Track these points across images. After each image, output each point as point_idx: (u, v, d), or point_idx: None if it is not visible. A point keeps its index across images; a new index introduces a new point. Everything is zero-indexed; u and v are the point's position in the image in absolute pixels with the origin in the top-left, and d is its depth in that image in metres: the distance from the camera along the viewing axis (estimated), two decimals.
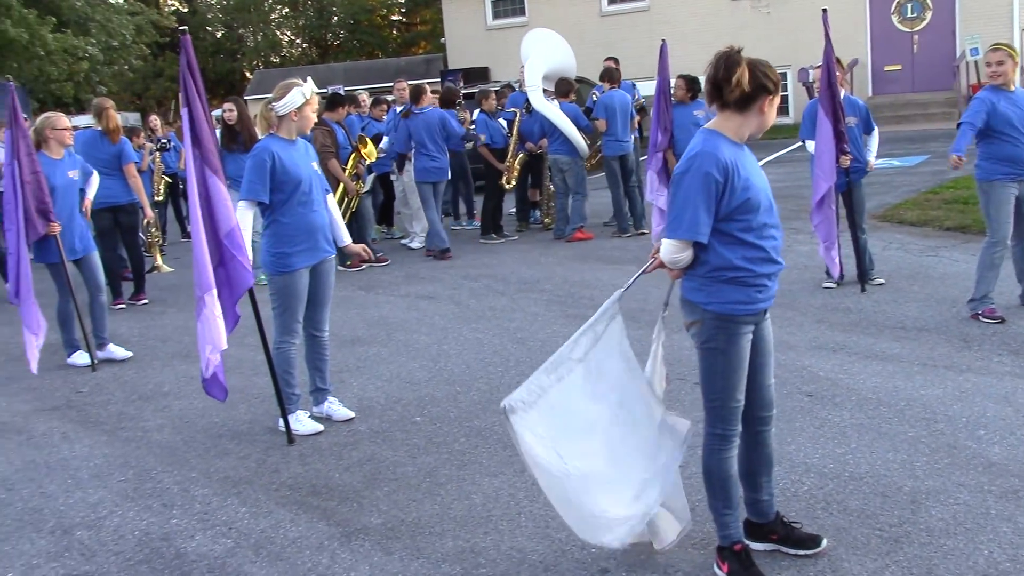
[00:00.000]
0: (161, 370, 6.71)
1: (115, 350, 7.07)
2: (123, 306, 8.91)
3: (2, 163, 8.75)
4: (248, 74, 58.71)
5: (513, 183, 11.25)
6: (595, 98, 11.73)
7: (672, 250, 3.20)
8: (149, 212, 9.49)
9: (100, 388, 6.36)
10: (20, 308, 6.58)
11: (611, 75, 10.96)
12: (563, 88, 10.91)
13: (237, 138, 9.18)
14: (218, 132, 9.48)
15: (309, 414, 5.30)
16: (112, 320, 7.61)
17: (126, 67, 32.03)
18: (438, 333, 7.11)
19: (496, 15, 26.26)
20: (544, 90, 12.03)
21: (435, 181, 10.43)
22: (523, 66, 11.56)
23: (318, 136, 9.70)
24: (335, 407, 5.34)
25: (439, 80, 25.02)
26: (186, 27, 5.01)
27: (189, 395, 6.05)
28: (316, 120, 5.40)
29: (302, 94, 4.93)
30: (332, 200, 5.36)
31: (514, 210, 12.46)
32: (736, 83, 3.10)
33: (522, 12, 25.86)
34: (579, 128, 10.69)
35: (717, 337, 3.26)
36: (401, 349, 6.75)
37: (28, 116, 18.11)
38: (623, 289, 3.39)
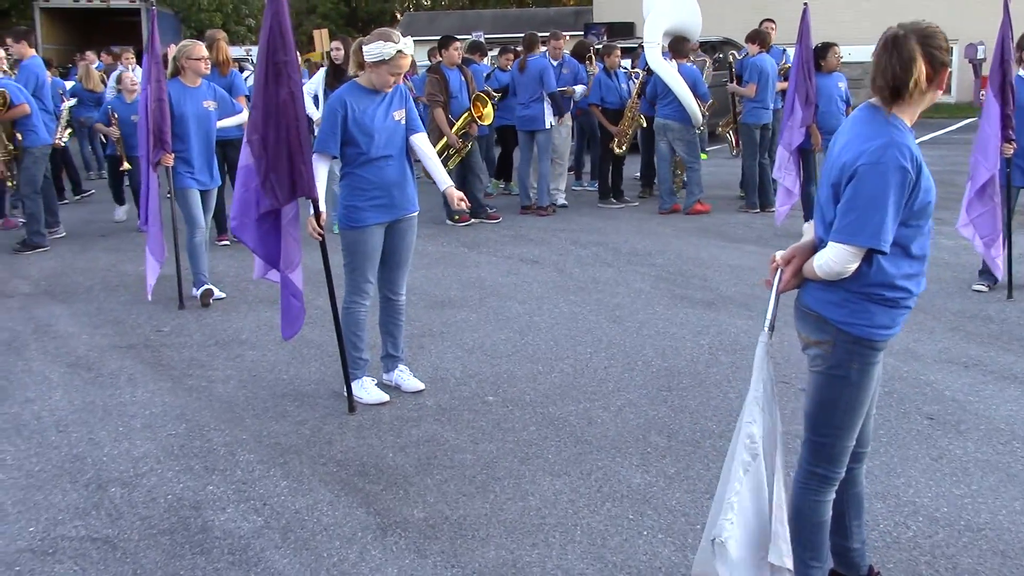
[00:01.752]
0: (246, 315, 6.51)
1: (215, 288, 6.93)
2: (227, 242, 8.80)
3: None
4: (398, 15, 59.09)
5: (624, 148, 10.59)
6: (732, 60, 11.01)
7: (845, 258, 2.61)
8: None
9: (181, 329, 6.21)
10: (147, 233, 6.59)
11: (763, 38, 10.15)
12: (681, 48, 10.22)
13: (342, 77, 8.88)
14: (324, 71, 9.26)
15: (376, 382, 4.97)
16: (212, 257, 7.48)
17: None
18: (533, 302, 6.69)
19: None
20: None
21: (526, 130, 10.22)
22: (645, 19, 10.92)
23: (428, 83, 9.34)
24: (405, 377, 5.00)
25: (583, 33, 24.34)
26: None
27: (264, 345, 5.82)
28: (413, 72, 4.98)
29: (392, 48, 4.51)
30: (426, 142, 4.93)
31: (638, 174, 11.88)
32: (915, 83, 2.55)
33: None
34: (696, 95, 9.99)
35: (849, 364, 2.72)
36: (490, 316, 6.36)
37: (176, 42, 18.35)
38: (767, 331, 2.80)
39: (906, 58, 2.56)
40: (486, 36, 23.34)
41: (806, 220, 8.73)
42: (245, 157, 4.54)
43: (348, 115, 4.54)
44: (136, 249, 8.54)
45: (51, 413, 4.77)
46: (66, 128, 10.99)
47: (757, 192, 10.14)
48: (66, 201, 11.51)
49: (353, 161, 4.63)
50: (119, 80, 10.22)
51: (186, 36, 28.46)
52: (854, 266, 2.63)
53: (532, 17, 45.54)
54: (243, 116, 7.17)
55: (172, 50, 7.29)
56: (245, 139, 4.54)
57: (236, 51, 19.52)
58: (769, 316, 2.82)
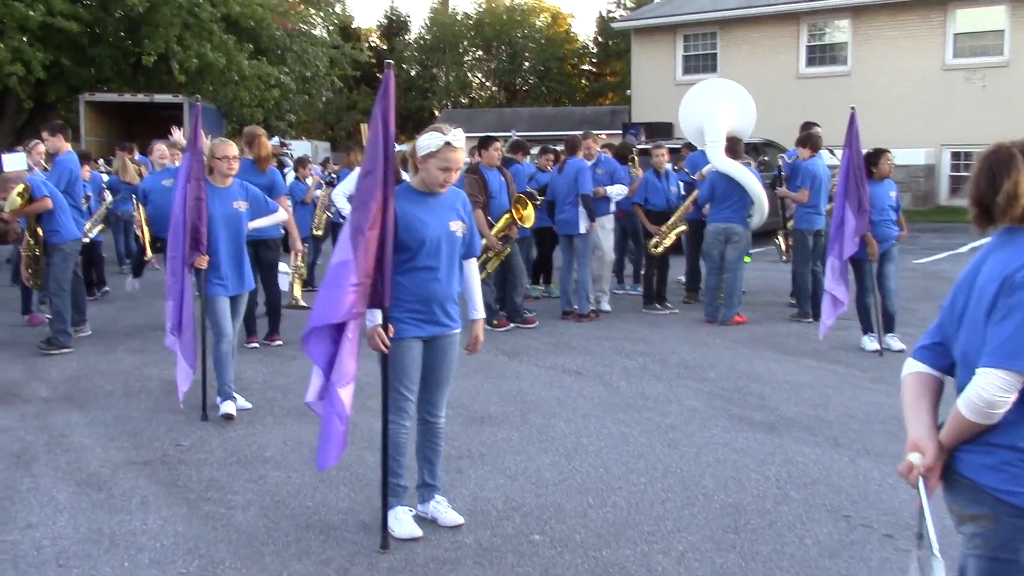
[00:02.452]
0: (271, 428, 6.09)
1: (238, 399, 6.51)
2: (255, 345, 8.45)
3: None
4: (436, 112, 60.07)
5: (660, 249, 10.23)
6: (781, 164, 10.68)
7: (999, 387, 2.17)
8: (299, 244, 9.07)
9: (202, 443, 5.79)
10: (179, 339, 6.17)
11: (813, 141, 9.81)
12: (738, 149, 9.90)
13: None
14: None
15: (413, 512, 4.51)
16: (240, 360, 7.12)
17: (319, 98, 32.85)
18: (579, 420, 6.22)
19: (687, 70, 25.39)
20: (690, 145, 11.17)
21: (564, 233, 9.92)
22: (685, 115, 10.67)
23: (467, 183, 9.05)
24: (442, 509, 4.52)
25: (620, 132, 24.31)
26: (391, 61, 4.39)
27: (290, 465, 5.38)
28: (461, 168, 4.62)
29: (440, 140, 4.18)
30: (473, 266, 4.60)
31: (683, 278, 11.47)
32: None
33: (713, 68, 24.90)
34: None
35: (1018, 545, 2.22)
36: (534, 436, 5.89)
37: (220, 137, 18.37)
38: (928, 550, 2.26)
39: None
40: (523, 134, 23.37)
41: (864, 333, 8.30)
42: (344, 252, 4.06)
43: (398, 219, 4.19)
44: (161, 351, 8.16)
45: (53, 542, 4.34)
46: (99, 224, 10.82)
47: (810, 301, 9.68)
48: (95, 297, 11.28)
49: (397, 268, 4.25)
50: (151, 152, 10.07)
51: (228, 131, 28.80)
52: (1010, 398, 2.16)
53: (569, 116, 45.93)
54: (279, 216, 6.90)
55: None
56: (349, 234, 4.05)
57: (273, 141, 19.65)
58: (929, 537, 2.27)
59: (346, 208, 8.81)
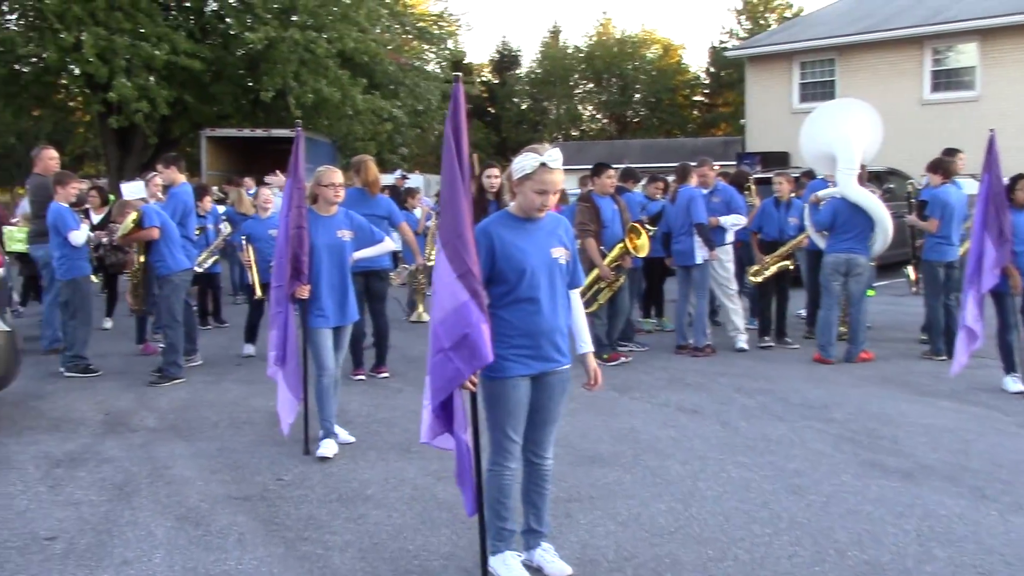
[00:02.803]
0: (374, 464, 5.89)
1: (340, 432, 6.37)
2: (362, 377, 8.33)
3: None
4: (548, 145, 60.21)
5: (759, 279, 9.77)
6: (913, 191, 10.10)
7: None
8: (420, 258, 9.00)
9: (303, 479, 5.63)
10: (283, 369, 6.09)
11: (946, 167, 9.21)
12: (861, 175, 9.35)
13: (488, 207, 8.45)
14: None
15: (521, 557, 4.22)
16: (345, 392, 7.00)
17: (431, 132, 33.18)
18: (696, 463, 5.83)
19: (804, 98, 24.67)
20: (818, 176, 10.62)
21: (680, 265, 9.62)
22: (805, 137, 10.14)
23: (579, 212, 8.79)
24: (548, 558, 4.22)
25: (734, 163, 23.74)
26: (460, 74, 4.13)
27: (391, 504, 5.15)
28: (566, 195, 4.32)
29: (535, 160, 3.91)
30: (576, 297, 4.31)
31: (803, 311, 10.94)
32: None
33: (831, 95, 24.08)
34: None
35: None
36: (647, 479, 5.54)
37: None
38: None
39: None
40: (635, 166, 23.04)
41: (1006, 372, 7.67)
42: (455, 295, 3.74)
43: (495, 248, 3.94)
44: (267, 382, 8.10)
45: None
46: (215, 255, 10.92)
47: (943, 337, 9.06)
48: (208, 327, 11.40)
49: (498, 301, 4.00)
50: (256, 197, 10.09)
51: (342, 165, 29.30)
52: None
53: (681, 147, 45.39)
54: (385, 246, 6.74)
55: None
56: (456, 274, 3.75)
57: (388, 178, 19.78)
58: None
59: None
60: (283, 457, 6.06)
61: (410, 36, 30.37)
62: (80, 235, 8.54)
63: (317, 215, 6.26)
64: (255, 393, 7.88)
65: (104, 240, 10.53)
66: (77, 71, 21.97)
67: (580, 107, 63.86)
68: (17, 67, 22.83)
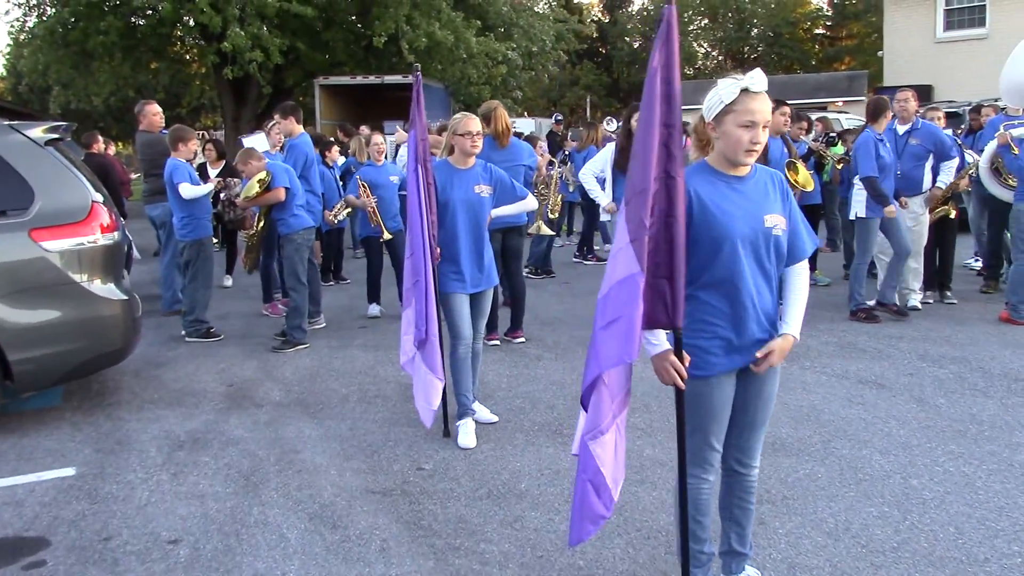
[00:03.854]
0: (523, 451, 5.22)
1: (479, 410, 5.72)
2: (496, 342, 7.68)
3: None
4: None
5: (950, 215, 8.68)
6: None
7: None
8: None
9: (445, 467, 5.00)
10: (422, 351, 5.37)
11: None
12: None
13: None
14: (612, 146, 8.01)
15: None
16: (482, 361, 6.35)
17: (543, 74, 32.23)
18: (899, 452, 4.97)
19: (949, 26, 22.81)
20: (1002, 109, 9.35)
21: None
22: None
23: None
24: None
25: (861, 99, 22.17)
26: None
27: (549, 502, 4.47)
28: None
29: (735, 87, 3.07)
30: (800, 277, 3.36)
31: (976, 261, 9.81)
32: None
33: (981, 23, 22.23)
34: None
35: None
36: (846, 473, 4.72)
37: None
38: None
39: None
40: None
41: None
42: (627, 265, 2.95)
43: (693, 209, 3.11)
44: (398, 347, 7.56)
45: None
46: (346, 207, 10.40)
47: None
48: (331, 283, 10.94)
49: (696, 278, 3.18)
50: (368, 144, 9.41)
51: (455, 111, 28.65)
52: None
53: (802, 83, 43.26)
54: (528, 203, 5.96)
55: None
56: (628, 238, 2.96)
57: (524, 124, 19.02)
58: None
59: (596, 190, 7.89)
60: (420, 440, 5.44)
61: None
62: (190, 188, 8.05)
63: (452, 168, 5.55)
64: (383, 360, 7.31)
65: (223, 195, 10.12)
66: (191, 22, 21.78)
67: (695, 44, 61.76)
68: (133, 20, 22.78)
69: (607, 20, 60.47)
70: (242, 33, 20.06)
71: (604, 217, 7.98)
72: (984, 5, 22.23)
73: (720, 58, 62.54)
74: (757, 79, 3.07)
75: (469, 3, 24.03)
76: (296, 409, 6.16)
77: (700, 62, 62.70)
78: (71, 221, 5.83)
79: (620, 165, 7.68)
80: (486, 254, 5.61)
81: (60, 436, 5.75)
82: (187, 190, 7.99)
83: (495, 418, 5.73)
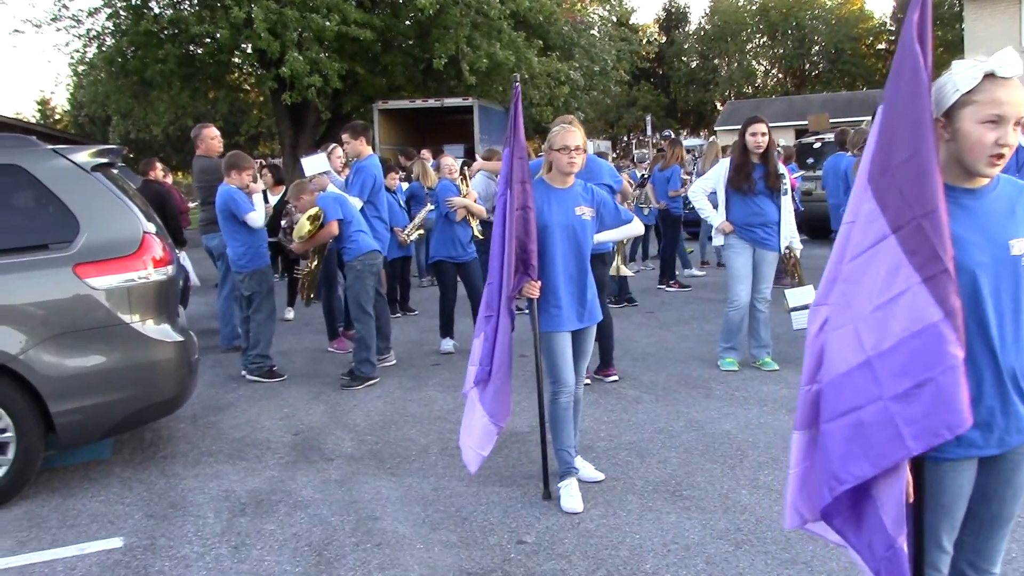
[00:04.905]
0: (640, 516, 4.45)
1: (582, 467, 4.96)
2: (588, 382, 6.90)
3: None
4: (719, 105, 57.46)
5: None
6: None
7: None
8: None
9: (551, 540, 4.24)
10: (484, 389, 4.68)
11: None
12: None
13: (753, 174, 6.87)
14: (726, 162, 7.23)
15: None
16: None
17: (604, 94, 31.56)
18: None
19: None
20: None
21: None
22: None
23: (855, 168, 7.04)
24: None
25: None
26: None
27: None
28: None
29: (977, 72, 2.30)
30: None
31: None
32: None
33: None
34: None
35: None
36: None
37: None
38: None
39: None
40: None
41: None
42: (919, 310, 2.13)
43: None
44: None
45: None
46: (418, 228, 9.74)
47: None
48: (397, 315, 10.26)
49: None
50: (439, 168, 8.76)
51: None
52: None
53: (865, 99, 42.25)
54: (635, 227, 5.19)
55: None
56: (918, 277, 2.14)
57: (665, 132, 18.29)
58: None
59: (707, 209, 7.13)
60: (517, 503, 4.69)
61: None
62: (259, 216, 7.46)
63: (549, 187, 4.82)
64: (463, 404, 6.57)
65: (283, 223, 9.53)
66: (249, 49, 21.47)
67: (754, 62, 60.84)
68: (192, 48, 22.55)
69: (664, 40, 59.79)
70: (300, 58, 19.64)
71: (716, 241, 7.18)
72: None
73: (780, 76, 61.53)
74: (1007, 60, 2.29)
75: (530, 23, 23.41)
76: (370, 463, 5.45)
77: (759, 80, 61.71)
78: (120, 255, 5.20)
79: (735, 184, 6.92)
80: (589, 286, 4.87)
81: (108, 497, 5.10)
82: (255, 219, 7.40)
83: (601, 476, 4.96)
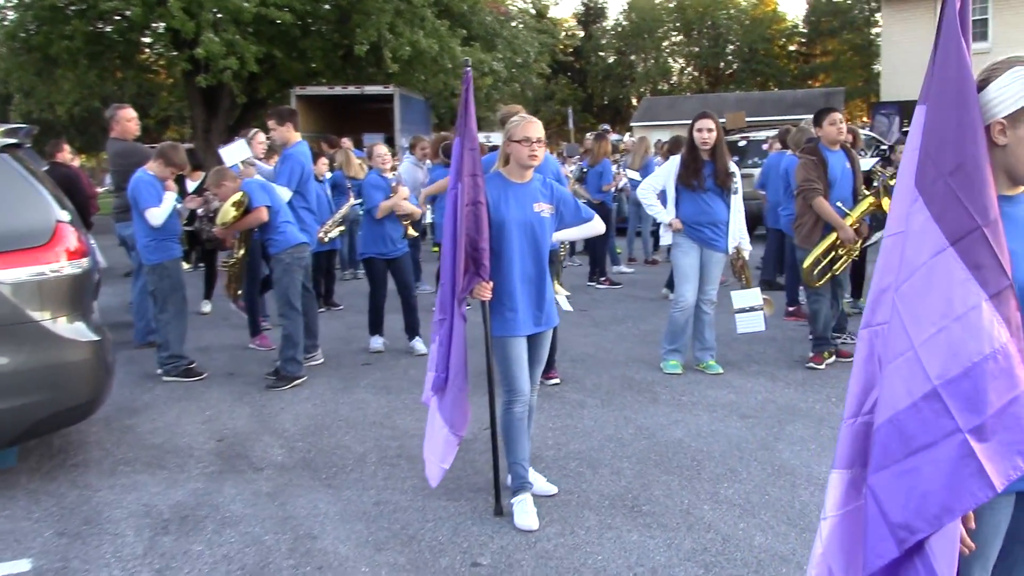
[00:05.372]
0: (599, 535, 4.18)
1: (535, 480, 4.66)
2: (556, 380, 6.63)
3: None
4: (635, 101, 57.79)
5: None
6: None
7: None
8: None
9: (507, 563, 3.94)
10: (442, 397, 4.40)
11: None
12: None
13: (702, 171, 6.69)
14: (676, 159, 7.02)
15: None
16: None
17: (525, 87, 31.31)
18: None
19: None
20: None
21: None
22: None
23: (802, 166, 6.93)
24: None
25: (870, 115, 21.48)
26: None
27: None
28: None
29: None
30: None
31: None
32: None
33: (983, 36, 21.62)
34: None
35: None
36: None
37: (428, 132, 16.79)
38: None
39: None
40: (758, 118, 20.96)
41: None
42: (985, 334, 1.89)
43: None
44: (412, 391, 6.52)
45: None
46: (339, 224, 9.34)
47: None
48: (321, 310, 9.82)
49: None
50: (371, 156, 8.34)
51: (434, 123, 27.59)
52: None
53: (779, 100, 42.88)
54: (595, 226, 4.91)
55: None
56: (985, 294, 1.89)
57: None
58: None
59: (656, 207, 6.91)
60: (467, 519, 4.39)
61: None
62: (160, 213, 6.95)
63: (506, 181, 4.51)
64: (400, 408, 6.25)
65: (199, 211, 9.01)
66: (162, 28, 20.60)
67: (670, 60, 61.38)
68: (100, 25, 21.54)
69: (582, 35, 59.94)
70: (216, 39, 18.90)
71: (665, 239, 6.97)
72: (986, 19, 21.65)
73: (695, 74, 62.18)
74: None
75: (454, 12, 23.02)
76: (304, 474, 5.08)
77: (675, 78, 62.27)
78: (30, 246, 4.73)
79: (684, 180, 6.71)
80: (547, 287, 4.58)
81: (14, 512, 4.63)
82: (154, 216, 6.90)
83: (554, 489, 4.69)
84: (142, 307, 8.29)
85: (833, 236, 6.74)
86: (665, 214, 6.82)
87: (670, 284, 10.72)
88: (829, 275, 6.82)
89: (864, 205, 6.80)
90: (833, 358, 7.10)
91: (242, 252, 7.46)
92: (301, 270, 7.03)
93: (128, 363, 7.61)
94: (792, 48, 59.34)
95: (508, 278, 4.42)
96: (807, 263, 6.76)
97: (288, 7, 20.39)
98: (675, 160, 6.96)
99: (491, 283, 4.33)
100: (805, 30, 57.97)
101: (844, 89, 42.49)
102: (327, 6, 22.70)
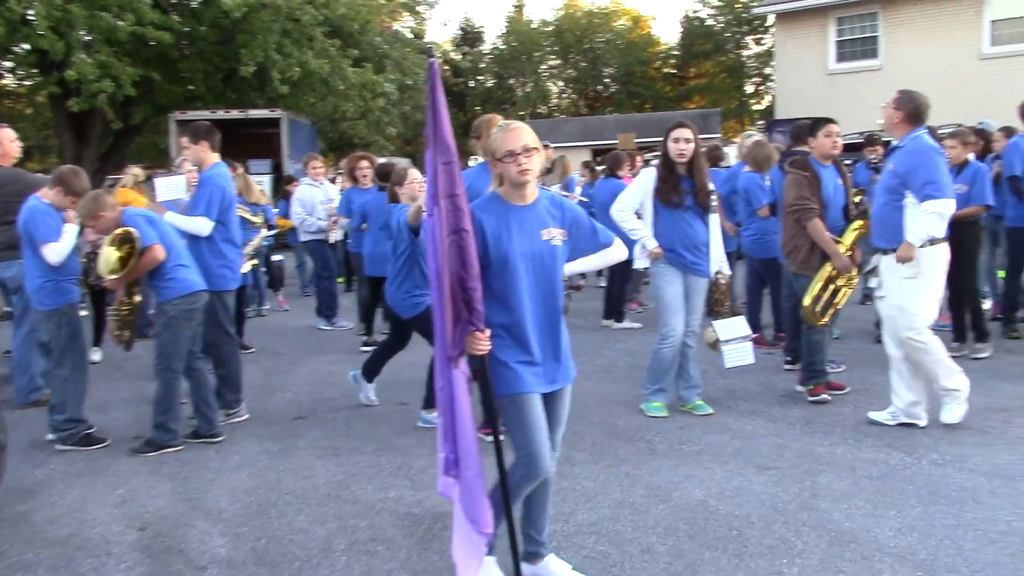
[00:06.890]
0: None
1: (560, 570, 3.81)
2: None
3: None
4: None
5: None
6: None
7: None
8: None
9: None
10: (459, 484, 3.48)
11: None
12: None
13: (680, 186, 6.01)
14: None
15: None
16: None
17: (415, 109, 30.45)
18: None
19: (841, 57, 22.37)
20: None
21: None
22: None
23: (793, 183, 6.31)
24: None
25: (767, 131, 21.44)
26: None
27: None
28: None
29: None
30: None
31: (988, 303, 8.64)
32: None
33: (874, 54, 21.89)
34: None
35: None
36: None
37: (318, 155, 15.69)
38: None
39: None
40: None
41: None
42: None
43: None
44: (362, 449, 5.55)
45: None
46: (251, 257, 8.35)
47: None
48: None
49: None
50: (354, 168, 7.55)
51: (322, 148, 26.40)
52: None
53: (659, 121, 43.15)
54: (616, 252, 4.05)
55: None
56: None
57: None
58: None
59: (639, 230, 6.14)
60: None
61: (397, 3, 27.61)
62: (61, 249, 5.86)
63: (506, 205, 3.62)
64: (355, 473, 5.28)
65: (86, 249, 7.84)
66: (28, 48, 18.94)
67: (550, 83, 61.57)
68: None
69: (460, 58, 59.60)
70: (89, 60, 17.41)
71: (640, 263, 6.23)
72: (876, 36, 21.90)
73: (574, 96, 62.48)
74: None
75: (343, 33, 22.03)
76: (261, 572, 4.07)
77: (555, 100, 62.43)
78: None
79: (663, 195, 5.98)
80: (563, 332, 3.72)
81: None
82: (53, 252, 5.79)
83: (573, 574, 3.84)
84: (24, 360, 7.08)
85: (828, 268, 6.13)
86: (650, 237, 6.07)
87: (610, 314, 9.96)
88: (832, 310, 6.21)
89: (854, 230, 6.23)
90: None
91: (136, 298, 6.23)
92: (189, 324, 5.90)
93: (13, 427, 6.38)
94: (667, 70, 60.27)
95: (518, 324, 3.55)
96: (807, 301, 6.14)
97: (167, 27, 19.02)
98: (648, 175, 6.22)
99: (487, 332, 3.43)
100: (678, 53, 59.00)
101: (720, 110, 43.37)
102: (206, 27, 21.40)
